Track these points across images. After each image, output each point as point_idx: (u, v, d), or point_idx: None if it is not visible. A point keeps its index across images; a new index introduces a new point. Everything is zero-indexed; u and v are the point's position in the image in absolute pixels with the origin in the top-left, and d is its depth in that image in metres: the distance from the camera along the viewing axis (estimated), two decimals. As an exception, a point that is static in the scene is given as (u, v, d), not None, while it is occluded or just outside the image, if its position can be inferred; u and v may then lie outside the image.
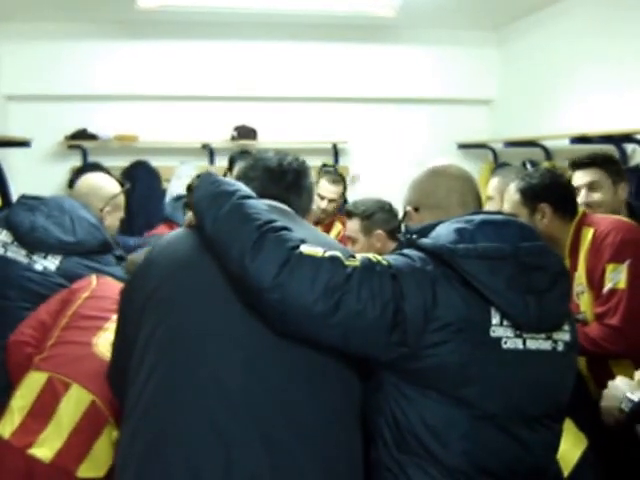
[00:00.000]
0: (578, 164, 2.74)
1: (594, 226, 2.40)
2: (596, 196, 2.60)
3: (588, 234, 2.39)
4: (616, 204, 2.70)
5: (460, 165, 1.79)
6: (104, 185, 2.73)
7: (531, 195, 2.42)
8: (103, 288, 2.18)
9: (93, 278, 2.22)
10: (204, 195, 1.47)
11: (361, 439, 1.49)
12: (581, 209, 2.49)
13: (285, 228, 1.39)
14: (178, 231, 1.64)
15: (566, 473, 1.84)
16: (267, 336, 1.39)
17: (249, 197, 1.45)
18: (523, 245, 1.47)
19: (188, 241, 1.54)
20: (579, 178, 2.78)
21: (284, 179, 1.69)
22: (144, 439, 1.40)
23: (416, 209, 1.69)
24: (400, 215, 1.80)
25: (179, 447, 1.35)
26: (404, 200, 1.75)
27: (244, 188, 1.50)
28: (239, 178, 1.69)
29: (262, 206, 1.44)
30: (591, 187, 2.61)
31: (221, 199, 1.43)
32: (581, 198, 2.71)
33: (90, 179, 2.79)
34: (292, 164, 1.71)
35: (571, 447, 1.89)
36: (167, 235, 1.67)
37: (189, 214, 1.59)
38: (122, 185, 2.82)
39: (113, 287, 2.19)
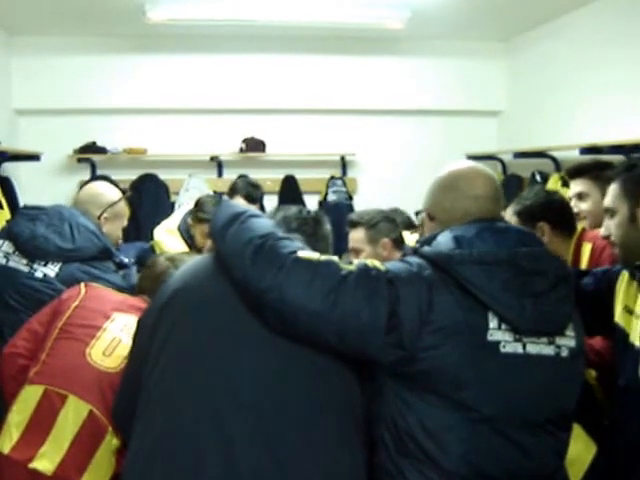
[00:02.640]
0: (569, 175, 2.74)
1: (592, 240, 2.42)
2: (583, 206, 2.58)
3: (587, 249, 2.42)
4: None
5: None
6: (103, 193, 2.73)
7: (527, 216, 2.41)
8: (92, 296, 2.16)
9: (82, 287, 2.20)
10: (218, 220, 1.56)
11: (364, 440, 1.51)
12: (580, 225, 2.50)
13: (286, 238, 1.47)
14: (197, 257, 1.76)
15: (579, 478, 1.84)
16: (271, 337, 1.45)
17: (257, 216, 1.54)
18: (521, 250, 1.49)
19: (203, 262, 1.64)
20: (571, 189, 2.78)
21: (302, 228, 1.72)
22: (152, 436, 1.46)
23: (431, 218, 1.69)
24: (417, 215, 1.82)
25: (184, 444, 1.41)
26: (423, 201, 1.73)
27: (254, 210, 1.59)
28: None
29: (268, 222, 1.54)
30: (579, 197, 2.61)
31: (231, 221, 1.52)
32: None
33: (90, 187, 2.82)
34: (310, 214, 1.77)
35: (582, 451, 1.89)
36: (186, 261, 1.78)
37: (209, 241, 1.66)
38: (123, 193, 2.81)
39: (103, 295, 2.20)
